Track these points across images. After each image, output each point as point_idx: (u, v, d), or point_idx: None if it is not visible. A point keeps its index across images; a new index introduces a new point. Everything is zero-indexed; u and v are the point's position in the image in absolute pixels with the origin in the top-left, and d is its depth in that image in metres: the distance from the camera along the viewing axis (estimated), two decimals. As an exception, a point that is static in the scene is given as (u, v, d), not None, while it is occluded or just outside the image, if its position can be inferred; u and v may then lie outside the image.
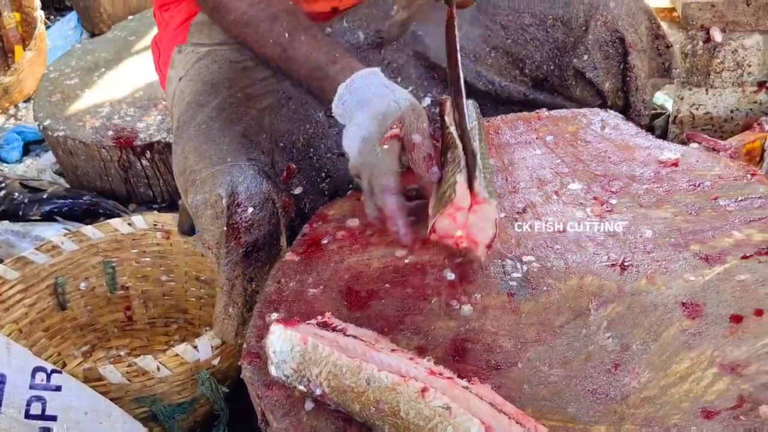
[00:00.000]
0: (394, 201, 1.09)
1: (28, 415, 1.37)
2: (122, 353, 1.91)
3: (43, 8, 3.04)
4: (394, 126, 1.09)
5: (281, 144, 1.28)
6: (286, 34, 1.20)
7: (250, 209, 1.18)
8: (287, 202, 1.25)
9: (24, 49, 2.97)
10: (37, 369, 1.37)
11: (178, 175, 1.24)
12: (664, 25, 2.61)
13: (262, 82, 1.31)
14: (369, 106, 1.11)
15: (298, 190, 1.29)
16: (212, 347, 1.51)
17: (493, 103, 1.47)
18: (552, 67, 1.47)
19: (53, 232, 2.06)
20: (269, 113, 1.28)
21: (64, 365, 1.84)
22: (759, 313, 0.99)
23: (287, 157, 1.28)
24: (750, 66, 1.75)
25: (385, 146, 1.08)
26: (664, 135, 1.91)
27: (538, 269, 1.08)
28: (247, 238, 1.19)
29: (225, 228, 1.17)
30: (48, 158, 2.54)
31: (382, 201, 1.10)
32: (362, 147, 1.10)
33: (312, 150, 1.33)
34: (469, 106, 1.21)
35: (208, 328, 1.86)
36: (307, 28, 1.21)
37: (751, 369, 0.93)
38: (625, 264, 1.08)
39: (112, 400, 1.45)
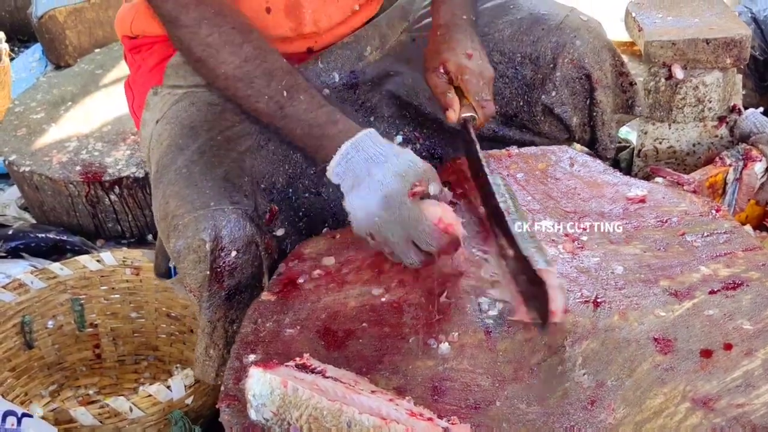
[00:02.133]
0: (444, 238, 1.12)
1: (-3, 461, 1.35)
2: (91, 392, 1.88)
3: (7, 40, 3.01)
4: (418, 184, 1.13)
5: (263, 185, 1.28)
6: (285, 92, 1.19)
7: (234, 253, 1.18)
8: (270, 244, 1.25)
9: (-13, 83, 2.93)
10: (8, 413, 1.34)
11: (160, 220, 1.23)
12: (626, 59, 2.69)
13: (241, 125, 1.31)
14: (387, 164, 1.13)
15: (280, 232, 1.29)
16: (185, 386, 1.49)
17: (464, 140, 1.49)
18: (521, 103, 1.50)
19: (19, 269, 2.03)
20: (250, 155, 1.29)
21: (31, 405, 1.81)
22: (728, 347, 1.02)
23: (268, 199, 1.29)
24: (711, 102, 1.81)
25: (412, 199, 1.12)
26: (629, 168, 1.95)
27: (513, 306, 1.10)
28: (230, 282, 1.19)
29: (208, 272, 1.17)
30: (12, 193, 2.50)
31: (433, 245, 1.12)
32: (388, 203, 1.12)
33: (291, 190, 1.33)
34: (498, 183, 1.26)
35: (179, 365, 1.85)
36: (305, 89, 1.21)
37: (722, 403, 0.95)
38: (598, 300, 1.10)
39: (82, 442, 1.43)
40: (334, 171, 1.17)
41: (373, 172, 1.13)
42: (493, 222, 1.22)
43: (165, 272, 1.27)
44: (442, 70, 1.31)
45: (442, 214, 1.13)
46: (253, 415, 0.93)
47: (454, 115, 1.30)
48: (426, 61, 1.35)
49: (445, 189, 1.19)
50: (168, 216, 1.20)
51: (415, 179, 1.13)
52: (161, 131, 1.32)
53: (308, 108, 1.20)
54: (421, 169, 1.14)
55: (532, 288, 1.06)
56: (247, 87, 1.21)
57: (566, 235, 1.22)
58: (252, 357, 1.06)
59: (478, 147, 1.29)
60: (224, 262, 1.18)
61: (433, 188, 1.15)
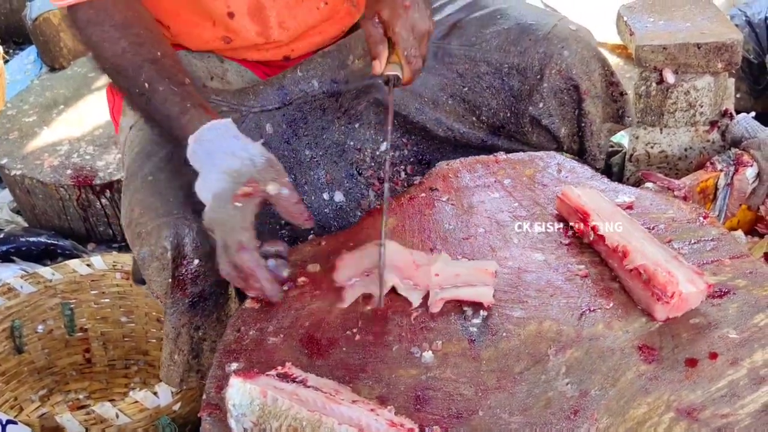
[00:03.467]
0: (249, 257, 1.08)
1: (-19, 468, 1.34)
2: (81, 396, 1.88)
3: (1, 42, 3.01)
4: (248, 185, 1.07)
5: None
6: (146, 84, 1.19)
7: (196, 261, 1.18)
8: None
9: (-19, 85, 2.92)
10: (-8, 420, 1.34)
11: (126, 227, 1.24)
12: (619, 62, 2.68)
13: None
14: (219, 161, 1.11)
15: None
16: (172, 393, 1.49)
17: (453, 147, 1.49)
18: (508, 114, 1.48)
19: (10, 273, 2.03)
20: None
21: (21, 410, 1.81)
22: (713, 356, 1.01)
23: None
24: (702, 106, 1.79)
25: (238, 204, 1.07)
26: (620, 172, 1.94)
27: (497, 315, 1.09)
28: (194, 289, 1.20)
29: (170, 280, 1.17)
30: (5, 196, 2.50)
31: (239, 259, 1.08)
32: (214, 204, 1.09)
33: None
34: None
35: (168, 370, 1.84)
36: (170, 77, 1.20)
37: (706, 413, 0.95)
38: (583, 308, 1.09)
39: (69, 449, 1.43)
40: (192, 164, 1.15)
41: (207, 169, 1.11)
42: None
43: (142, 278, 1.27)
44: (377, 20, 1.26)
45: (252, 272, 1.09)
46: (233, 425, 0.93)
47: (378, 67, 1.26)
48: (366, 8, 1.31)
49: (285, 190, 1.11)
50: (132, 223, 1.22)
51: (246, 179, 1.08)
52: (133, 137, 1.33)
53: (164, 99, 1.18)
54: (256, 168, 1.09)
55: None
56: (123, 81, 1.23)
57: (553, 242, 1.21)
58: (234, 365, 1.05)
59: (390, 113, 1.25)
60: (186, 270, 1.18)
61: (271, 188, 1.09)
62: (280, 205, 1.11)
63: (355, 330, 1.09)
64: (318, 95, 1.41)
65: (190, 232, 1.18)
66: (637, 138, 1.86)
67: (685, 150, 1.85)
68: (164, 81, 1.19)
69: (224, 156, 1.11)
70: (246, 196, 1.08)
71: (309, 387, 0.95)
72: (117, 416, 1.44)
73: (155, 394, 1.48)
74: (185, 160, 1.18)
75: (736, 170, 1.67)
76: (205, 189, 1.11)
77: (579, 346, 1.04)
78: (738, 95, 2.31)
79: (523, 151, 1.44)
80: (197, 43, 1.40)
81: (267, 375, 0.96)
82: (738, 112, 1.86)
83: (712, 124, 1.82)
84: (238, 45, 1.38)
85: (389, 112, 1.25)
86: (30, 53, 3.22)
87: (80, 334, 1.87)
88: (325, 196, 1.37)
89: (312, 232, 1.33)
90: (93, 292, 1.86)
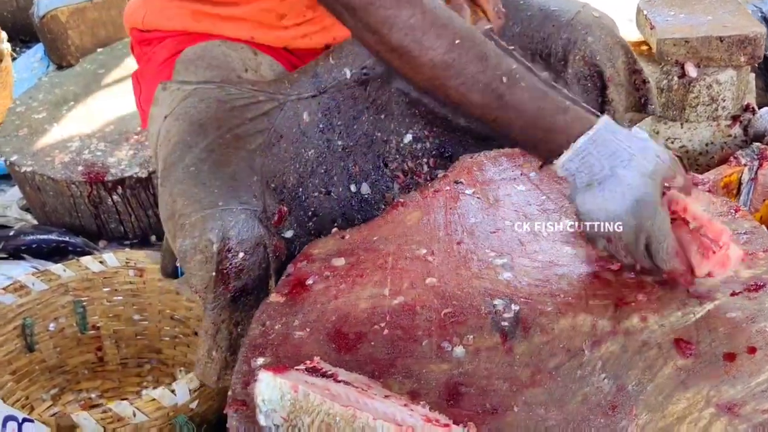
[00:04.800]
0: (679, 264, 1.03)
1: (-3, 466, 1.32)
2: (93, 396, 1.85)
3: (8, 40, 2.99)
4: (665, 186, 1.01)
5: (272, 185, 1.25)
6: (504, 78, 1.05)
7: (241, 254, 1.15)
8: (278, 246, 1.22)
9: (-11, 83, 2.91)
10: (9, 418, 1.31)
11: (166, 219, 1.20)
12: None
13: (251, 122, 1.28)
14: (633, 162, 1.01)
15: (289, 234, 1.26)
16: (190, 390, 1.46)
17: (474, 138, 1.46)
18: None
19: (21, 270, 2.01)
20: (260, 154, 1.25)
21: (32, 409, 1.78)
22: (752, 350, 0.99)
23: (278, 199, 1.26)
24: (724, 100, 1.78)
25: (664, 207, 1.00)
26: (640, 168, 1.92)
27: (529, 309, 1.07)
28: (237, 284, 1.16)
29: (214, 273, 1.14)
30: (14, 193, 2.48)
31: (670, 265, 1.03)
32: (638, 209, 1.00)
33: (301, 189, 1.31)
34: None
35: (182, 368, 1.82)
36: (525, 74, 1.06)
37: (747, 408, 0.92)
38: (617, 302, 1.07)
39: (85, 447, 1.40)
40: (563, 165, 1.04)
41: (619, 172, 1.01)
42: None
43: (172, 272, 1.24)
44: None
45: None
46: (262, 420, 0.90)
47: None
48: None
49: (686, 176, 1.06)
50: (175, 215, 1.18)
51: (664, 179, 1.01)
52: (169, 127, 1.29)
53: (532, 96, 1.05)
54: (667, 165, 1.02)
55: None
56: (458, 75, 1.05)
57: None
58: (261, 360, 1.02)
59: (509, 48, 1.15)
60: (231, 264, 1.14)
61: (679, 181, 1.03)
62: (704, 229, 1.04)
63: (383, 324, 1.07)
64: (350, 83, 1.39)
65: (236, 225, 1.14)
66: (657, 133, 1.84)
67: (706, 145, 1.83)
68: (525, 76, 1.06)
69: (636, 157, 1.01)
70: (664, 196, 1.01)
71: (340, 382, 0.93)
72: (134, 414, 1.41)
73: (173, 391, 1.45)
74: (229, 150, 1.13)
75: (761, 165, 1.65)
76: (620, 197, 1.01)
77: (614, 340, 1.01)
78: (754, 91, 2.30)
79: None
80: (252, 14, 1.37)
81: (296, 369, 0.94)
82: (760, 106, 1.84)
83: (735, 118, 1.80)
84: (289, 21, 1.34)
85: (512, 52, 1.13)
86: (37, 51, 3.20)
87: (92, 332, 1.85)
88: (352, 187, 1.35)
89: (336, 225, 1.31)
90: (105, 289, 1.84)
